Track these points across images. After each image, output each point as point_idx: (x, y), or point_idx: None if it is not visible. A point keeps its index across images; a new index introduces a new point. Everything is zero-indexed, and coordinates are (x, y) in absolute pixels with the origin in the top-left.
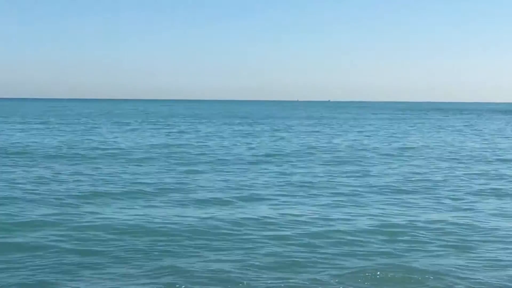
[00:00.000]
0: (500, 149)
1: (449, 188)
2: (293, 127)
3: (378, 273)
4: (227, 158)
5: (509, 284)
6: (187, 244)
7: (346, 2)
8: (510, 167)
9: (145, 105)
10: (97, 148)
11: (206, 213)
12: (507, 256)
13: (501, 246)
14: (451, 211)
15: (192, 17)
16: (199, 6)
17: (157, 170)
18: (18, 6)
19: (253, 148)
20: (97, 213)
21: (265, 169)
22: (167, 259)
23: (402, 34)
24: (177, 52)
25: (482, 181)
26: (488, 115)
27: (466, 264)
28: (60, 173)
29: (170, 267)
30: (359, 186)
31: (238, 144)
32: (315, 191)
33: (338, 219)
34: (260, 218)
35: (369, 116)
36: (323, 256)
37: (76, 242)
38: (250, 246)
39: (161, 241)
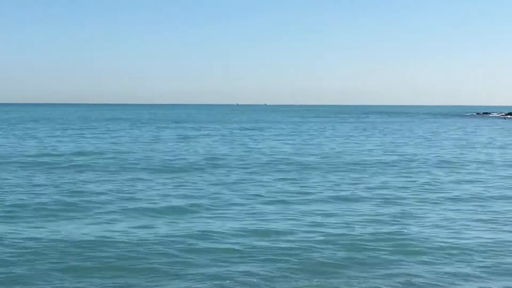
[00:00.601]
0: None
1: (383, 194)
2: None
3: (316, 281)
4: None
5: None
6: (123, 258)
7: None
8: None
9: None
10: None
11: (143, 225)
12: (454, 264)
13: (441, 254)
14: (392, 219)
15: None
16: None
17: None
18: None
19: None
20: (37, 227)
21: (200, 176)
22: (97, 274)
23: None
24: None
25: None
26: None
27: (407, 271)
28: None
29: (101, 284)
30: (295, 194)
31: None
32: (251, 200)
33: (275, 229)
34: (196, 231)
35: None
36: (259, 270)
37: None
38: (184, 260)
39: (93, 257)
